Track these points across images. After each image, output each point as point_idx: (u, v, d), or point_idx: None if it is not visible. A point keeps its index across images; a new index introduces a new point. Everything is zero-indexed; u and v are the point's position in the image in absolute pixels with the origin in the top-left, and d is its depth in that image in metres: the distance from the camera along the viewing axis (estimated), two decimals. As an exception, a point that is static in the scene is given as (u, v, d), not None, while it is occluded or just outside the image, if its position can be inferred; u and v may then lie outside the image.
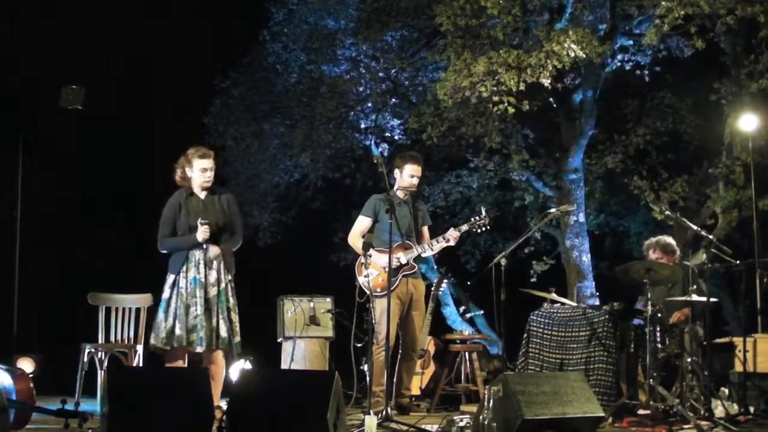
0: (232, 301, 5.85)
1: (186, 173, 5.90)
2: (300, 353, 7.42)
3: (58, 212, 10.12)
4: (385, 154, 10.70)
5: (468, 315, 10.49)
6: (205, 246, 5.75)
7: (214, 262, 5.80)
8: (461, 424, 5.02)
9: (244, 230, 6.18)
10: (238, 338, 5.86)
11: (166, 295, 5.76)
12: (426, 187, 10.99)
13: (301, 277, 9.29)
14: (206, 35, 10.94)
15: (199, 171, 5.87)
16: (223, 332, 5.76)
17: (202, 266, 5.76)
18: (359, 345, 6.38)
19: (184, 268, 5.75)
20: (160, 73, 10.79)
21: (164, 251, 5.88)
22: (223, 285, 5.81)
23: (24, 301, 7.73)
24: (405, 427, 5.29)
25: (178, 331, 5.67)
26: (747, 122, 7.72)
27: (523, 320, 6.77)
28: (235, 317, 5.85)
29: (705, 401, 5.88)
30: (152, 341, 5.75)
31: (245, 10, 10.97)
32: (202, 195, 5.92)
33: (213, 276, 5.79)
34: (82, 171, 10.29)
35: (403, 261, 6.37)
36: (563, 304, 6.86)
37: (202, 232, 5.71)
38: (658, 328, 6.14)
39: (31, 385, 5.21)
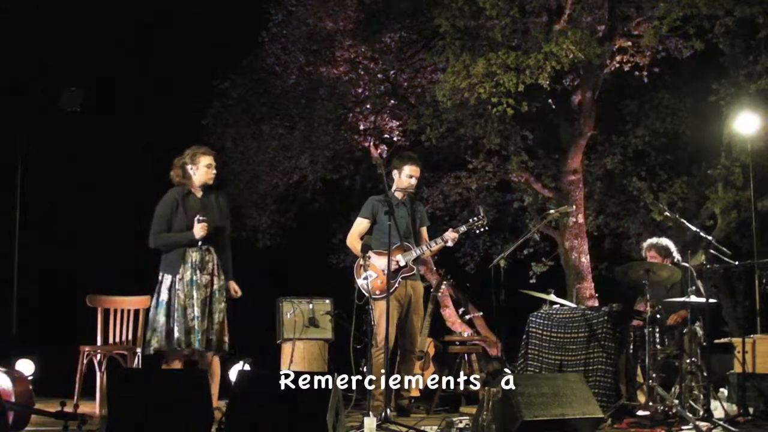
0: (222, 304, 5.84)
1: (188, 171, 5.90)
2: (299, 355, 7.42)
3: (57, 213, 10.12)
4: (384, 155, 10.69)
5: (467, 317, 10.48)
6: (200, 243, 5.74)
7: (209, 264, 5.80)
8: (460, 425, 5.02)
9: (239, 231, 6.18)
10: (226, 338, 5.84)
11: (164, 297, 5.74)
12: (425, 189, 10.97)
13: (301, 278, 9.29)
14: (205, 37, 10.93)
15: (205, 168, 5.89)
16: (217, 334, 5.76)
17: (198, 268, 5.76)
18: (358, 347, 6.37)
19: (181, 269, 5.74)
20: (158, 73, 10.78)
21: (156, 247, 5.84)
22: (216, 286, 5.81)
23: (23, 302, 7.72)
24: (404, 429, 5.29)
25: (177, 333, 5.67)
26: (746, 123, 7.72)
27: (522, 322, 6.77)
28: (223, 318, 5.82)
29: (704, 402, 5.88)
30: (153, 343, 5.74)
31: (244, 11, 10.96)
32: (199, 193, 5.93)
33: (207, 277, 5.78)
34: (81, 171, 10.28)
35: (402, 263, 6.36)
36: (562, 305, 6.86)
37: (200, 229, 5.71)
38: (657, 329, 6.13)
39: (30, 387, 5.21)
